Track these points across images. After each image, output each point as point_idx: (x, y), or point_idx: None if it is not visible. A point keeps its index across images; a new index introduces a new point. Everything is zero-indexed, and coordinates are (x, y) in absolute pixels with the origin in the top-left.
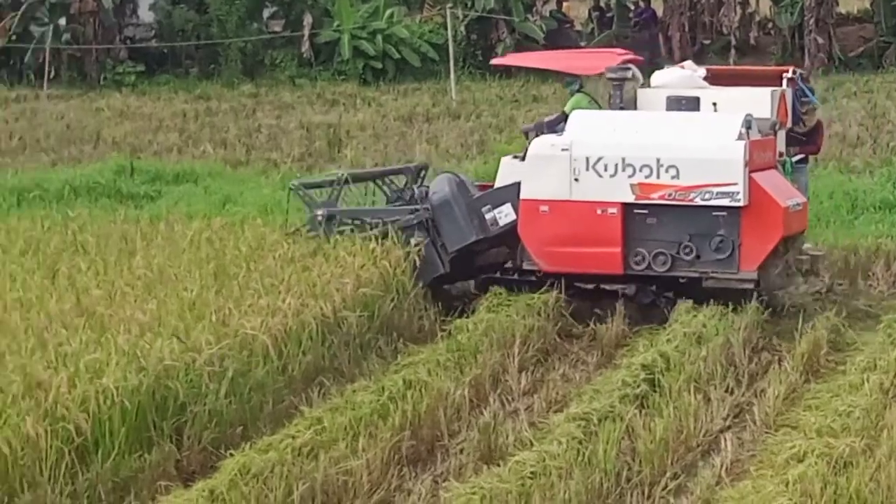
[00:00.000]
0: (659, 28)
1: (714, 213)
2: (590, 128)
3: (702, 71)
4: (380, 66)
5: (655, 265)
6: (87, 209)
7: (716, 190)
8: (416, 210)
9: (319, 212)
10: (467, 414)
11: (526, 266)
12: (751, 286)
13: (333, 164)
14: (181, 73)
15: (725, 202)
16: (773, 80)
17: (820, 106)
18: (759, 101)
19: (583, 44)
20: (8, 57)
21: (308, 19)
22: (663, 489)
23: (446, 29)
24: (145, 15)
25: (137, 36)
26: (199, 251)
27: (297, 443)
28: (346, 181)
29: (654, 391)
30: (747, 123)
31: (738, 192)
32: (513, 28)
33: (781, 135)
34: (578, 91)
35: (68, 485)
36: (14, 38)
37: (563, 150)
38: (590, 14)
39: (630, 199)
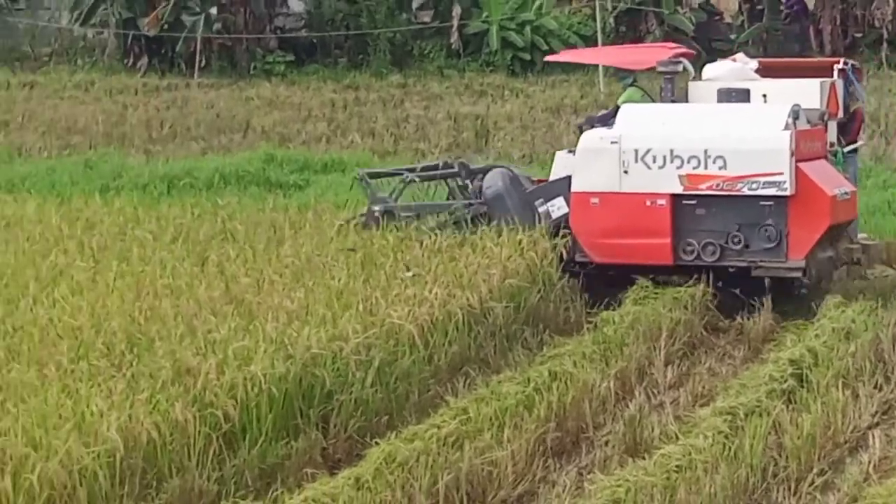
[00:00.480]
0: (810, 21)
1: (762, 203)
2: (639, 121)
3: (753, 63)
4: (528, 57)
5: (705, 255)
6: (236, 197)
7: (763, 180)
8: (471, 204)
9: (377, 207)
10: (612, 406)
11: (578, 258)
12: (798, 274)
13: (481, 154)
14: (330, 63)
15: (772, 192)
16: (825, 71)
17: (864, 98)
18: (808, 92)
19: (732, 36)
20: (160, 46)
21: (457, 10)
22: (810, 485)
23: (595, 20)
24: (295, 5)
25: (287, 26)
26: (346, 240)
27: (443, 433)
28: (412, 179)
29: (802, 386)
30: (794, 114)
31: (784, 182)
32: (662, 20)
33: (832, 125)
34: (631, 85)
35: (215, 471)
36: (166, 27)
37: (612, 142)
38: (740, 6)
39: (679, 189)
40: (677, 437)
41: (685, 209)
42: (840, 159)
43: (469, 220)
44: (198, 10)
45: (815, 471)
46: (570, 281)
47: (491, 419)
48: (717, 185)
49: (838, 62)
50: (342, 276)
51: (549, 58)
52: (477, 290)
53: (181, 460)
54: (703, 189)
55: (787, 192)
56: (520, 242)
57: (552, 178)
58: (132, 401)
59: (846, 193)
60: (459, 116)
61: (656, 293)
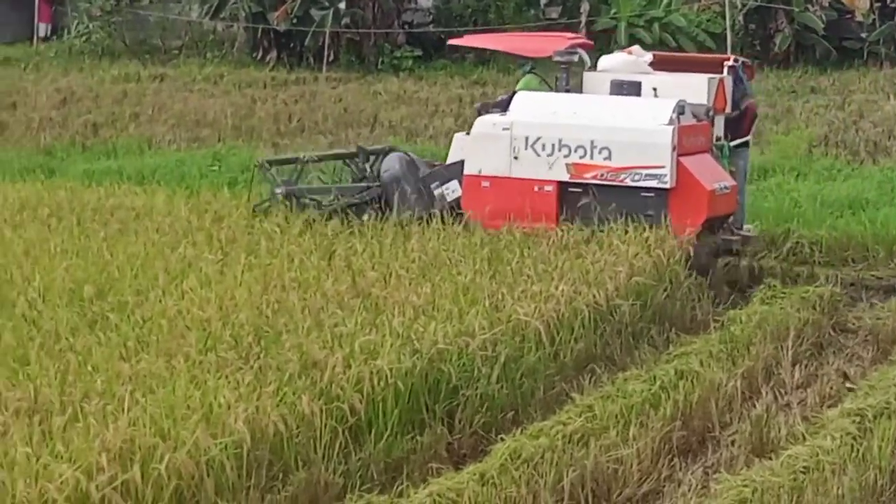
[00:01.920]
0: None
1: (643, 194)
2: (530, 109)
3: (648, 56)
4: None
5: None
6: None
7: (644, 172)
8: (369, 187)
9: (279, 189)
10: (739, 406)
11: None
12: None
13: None
14: (457, 58)
15: (653, 184)
16: (715, 67)
17: (753, 95)
18: (696, 88)
19: (863, 35)
20: (289, 40)
21: (585, 6)
22: None
23: (724, 18)
24: (424, 0)
25: (415, 21)
26: (473, 236)
27: (568, 430)
28: (307, 161)
29: None
30: (680, 109)
31: (665, 175)
32: (792, 18)
33: (719, 120)
34: (529, 72)
35: (341, 464)
36: (295, 21)
37: (504, 129)
38: (871, 5)
39: (565, 177)
40: (804, 438)
41: (571, 196)
42: (727, 153)
43: (367, 203)
44: (327, 4)
45: None
46: (697, 279)
47: (616, 417)
48: (602, 174)
49: (729, 59)
50: (469, 272)
51: (451, 41)
52: (603, 288)
53: (307, 453)
54: (588, 178)
55: (668, 185)
56: (647, 240)
57: (449, 160)
58: (259, 393)
59: (726, 187)
60: None
61: (784, 292)
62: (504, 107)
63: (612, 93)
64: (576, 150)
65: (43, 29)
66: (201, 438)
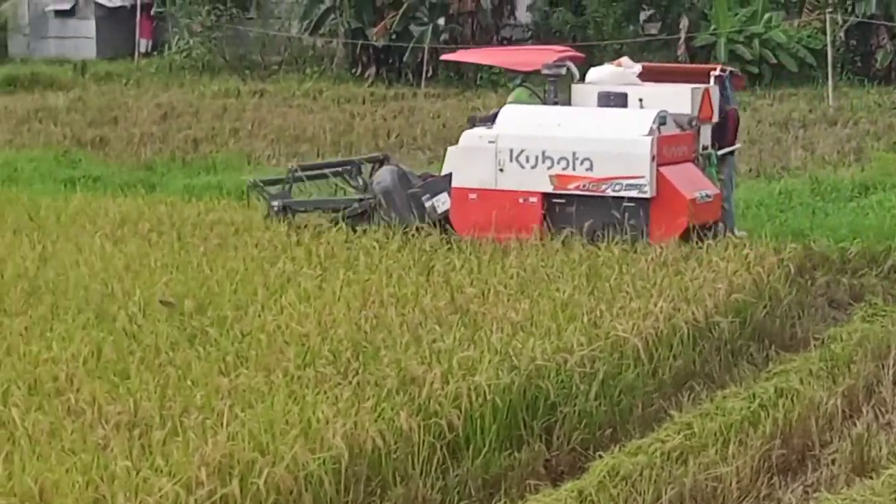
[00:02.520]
0: None
1: (624, 204)
2: (515, 122)
3: (636, 68)
4: (756, 70)
5: None
6: None
7: (625, 182)
8: (362, 199)
9: (275, 203)
10: (839, 424)
11: None
12: None
13: None
14: None
15: (634, 193)
16: (702, 77)
17: (737, 104)
18: (680, 98)
19: None
20: (387, 56)
21: (685, 22)
22: None
23: (825, 34)
24: (522, 16)
25: (514, 37)
26: (571, 252)
27: (667, 447)
28: (298, 178)
29: None
30: (661, 119)
31: (645, 185)
32: (894, 34)
33: (705, 129)
34: (520, 85)
35: (439, 480)
36: (394, 37)
37: (490, 142)
38: None
39: (549, 189)
40: None
41: (555, 207)
42: (714, 161)
43: (361, 215)
44: (426, 20)
45: None
46: (797, 296)
47: (715, 434)
48: (584, 185)
49: (715, 69)
50: (567, 288)
51: (444, 57)
52: (702, 305)
53: (405, 468)
54: (571, 189)
55: (648, 195)
56: (746, 257)
57: (443, 173)
58: (358, 408)
59: (708, 196)
60: None
61: (885, 311)
62: (493, 120)
63: (599, 104)
64: (558, 162)
65: (144, 45)
66: (300, 453)
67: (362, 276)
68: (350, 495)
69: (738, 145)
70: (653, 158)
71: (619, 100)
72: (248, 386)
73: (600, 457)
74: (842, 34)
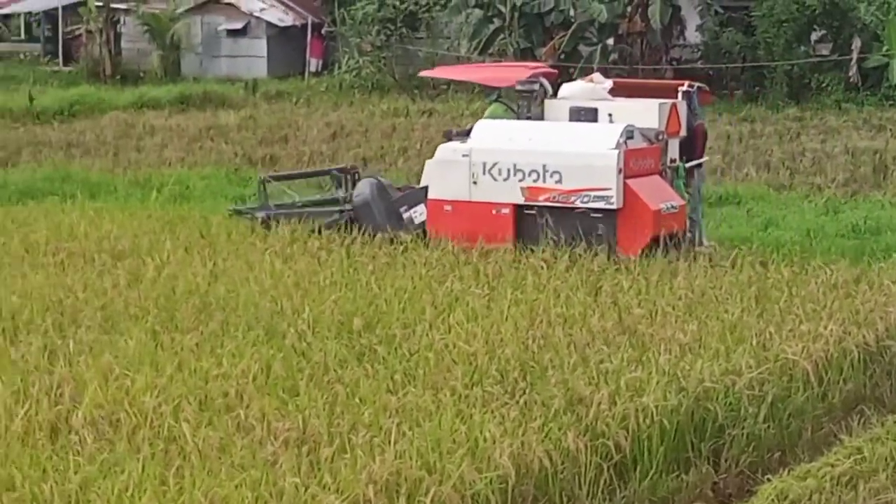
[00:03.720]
0: None
1: (592, 215)
2: (489, 136)
3: (607, 83)
4: None
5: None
6: None
7: (593, 194)
8: (342, 211)
9: (259, 214)
10: None
11: None
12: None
13: (878, 190)
14: (726, 94)
15: (601, 205)
16: (670, 92)
17: (704, 119)
18: (649, 113)
19: None
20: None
21: (857, 43)
22: None
23: None
24: (692, 36)
25: (683, 57)
26: (741, 273)
27: (836, 471)
28: (269, 181)
29: None
30: (628, 133)
31: (612, 196)
32: None
33: (673, 143)
34: (495, 101)
35: (606, 501)
36: (563, 56)
37: (464, 155)
38: None
39: (521, 200)
40: None
41: (526, 218)
42: (681, 174)
43: (342, 225)
44: (595, 40)
45: None
46: None
47: (886, 459)
48: (554, 197)
49: (683, 84)
50: (735, 310)
51: (422, 73)
52: (873, 328)
53: (572, 489)
54: (542, 201)
55: (615, 206)
56: None
57: (422, 184)
58: (525, 428)
59: (674, 206)
60: (857, 151)
61: None
62: (468, 134)
63: (570, 119)
64: (529, 175)
65: (314, 64)
66: (467, 472)
67: (530, 296)
68: None
69: (705, 158)
70: (619, 171)
71: (590, 115)
72: (416, 404)
73: (769, 480)
74: None
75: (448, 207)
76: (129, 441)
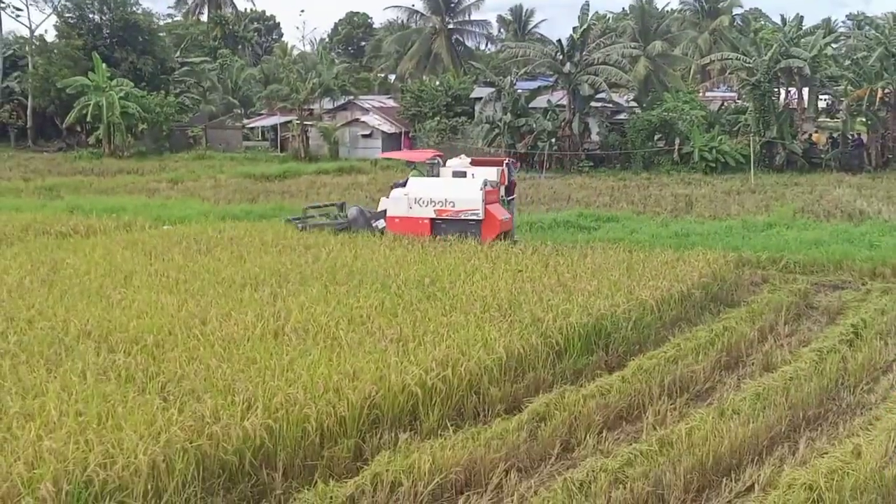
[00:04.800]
0: (864, 148)
1: (469, 222)
2: (417, 186)
3: (468, 160)
4: (714, 165)
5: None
6: (562, 233)
7: (469, 212)
8: (343, 222)
9: (300, 225)
10: (756, 345)
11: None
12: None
13: (688, 214)
14: (612, 166)
15: (474, 217)
16: (500, 163)
17: (515, 176)
18: (492, 172)
19: (823, 155)
20: (527, 158)
21: (677, 141)
22: (861, 389)
23: (749, 146)
24: (595, 136)
25: (590, 148)
26: (619, 256)
27: (668, 355)
28: (307, 208)
29: (858, 338)
30: (484, 184)
31: (479, 213)
32: (784, 146)
33: (502, 188)
34: (413, 169)
35: (552, 369)
36: (530, 147)
37: (405, 194)
38: (827, 140)
39: (433, 216)
40: (791, 362)
41: (437, 224)
42: (505, 203)
43: (344, 229)
44: (545, 139)
45: (863, 382)
46: (734, 279)
47: (693, 349)
48: (451, 214)
49: (505, 159)
50: (616, 274)
51: (380, 154)
52: (686, 283)
53: (534, 363)
54: (444, 216)
55: (480, 218)
56: (709, 260)
57: (379, 209)
58: (511, 333)
59: (507, 218)
60: (678, 195)
61: (780, 287)
62: (404, 184)
63: (453, 176)
64: (437, 204)
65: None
66: (482, 355)
67: (513, 267)
68: (507, 376)
69: (514, 196)
70: (482, 201)
71: (462, 175)
72: (456, 321)
73: (633, 359)
74: (758, 146)
75: (397, 220)
76: (313, 339)
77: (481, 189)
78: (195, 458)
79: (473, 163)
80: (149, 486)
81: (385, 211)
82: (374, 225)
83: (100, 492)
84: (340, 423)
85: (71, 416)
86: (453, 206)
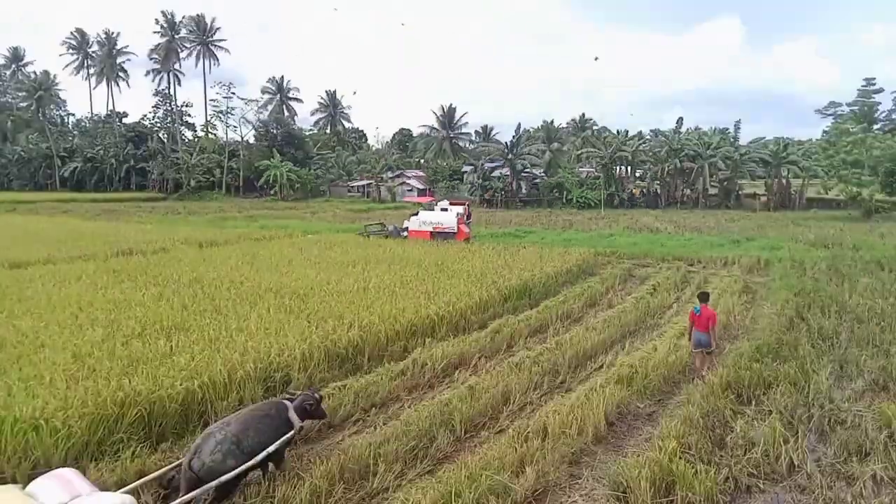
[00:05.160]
0: (658, 196)
1: (450, 233)
2: (423, 214)
3: (447, 202)
4: (584, 202)
5: (440, 242)
6: (506, 239)
7: (450, 228)
8: (385, 231)
9: (361, 234)
10: (603, 299)
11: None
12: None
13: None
14: (533, 206)
15: (452, 231)
16: (465, 202)
17: (470, 211)
18: (461, 209)
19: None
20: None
21: (566, 192)
22: (656, 317)
23: (603, 189)
24: (525, 188)
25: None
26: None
27: (560, 308)
28: (366, 225)
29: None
30: (458, 215)
31: (454, 228)
32: (625, 189)
33: (466, 217)
34: (423, 206)
35: (502, 310)
36: (491, 196)
37: (417, 219)
38: (640, 192)
39: (432, 230)
40: (622, 304)
41: (434, 234)
42: (467, 223)
43: (388, 235)
44: (501, 189)
45: (657, 314)
46: (596, 265)
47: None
48: (441, 229)
49: (467, 202)
50: (534, 259)
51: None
52: (553, 268)
53: (494, 307)
54: (438, 230)
55: (455, 231)
56: (581, 252)
57: (404, 226)
58: (480, 289)
59: (469, 231)
60: (566, 220)
61: (616, 266)
62: (416, 214)
63: (441, 210)
64: (434, 223)
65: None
66: (463, 301)
67: (485, 255)
68: (479, 310)
69: (471, 220)
70: (457, 223)
71: (445, 209)
72: (454, 285)
73: (544, 301)
74: (605, 195)
75: (413, 231)
76: (383, 292)
77: (456, 216)
78: (324, 351)
79: (451, 203)
80: (301, 365)
81: (407, 227)
82: (401, 234)
83: (276, 368)
84: (396, 333)
85: (262, 330)
86: (441, 225)
